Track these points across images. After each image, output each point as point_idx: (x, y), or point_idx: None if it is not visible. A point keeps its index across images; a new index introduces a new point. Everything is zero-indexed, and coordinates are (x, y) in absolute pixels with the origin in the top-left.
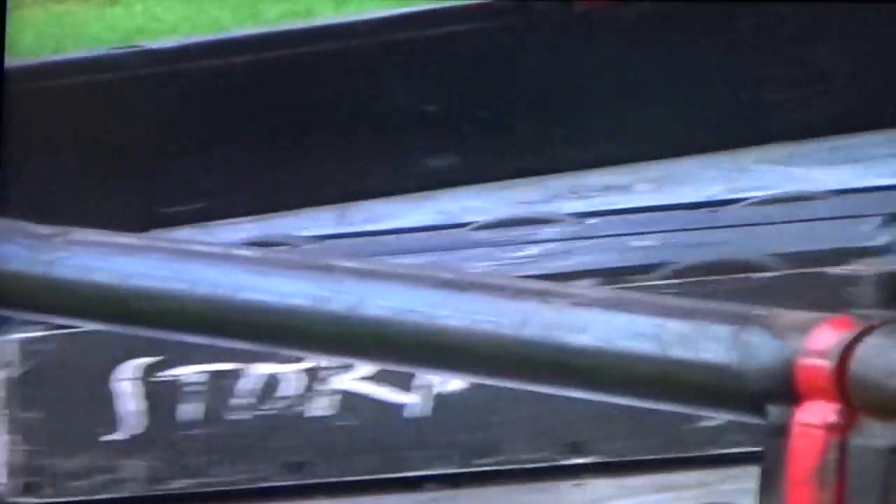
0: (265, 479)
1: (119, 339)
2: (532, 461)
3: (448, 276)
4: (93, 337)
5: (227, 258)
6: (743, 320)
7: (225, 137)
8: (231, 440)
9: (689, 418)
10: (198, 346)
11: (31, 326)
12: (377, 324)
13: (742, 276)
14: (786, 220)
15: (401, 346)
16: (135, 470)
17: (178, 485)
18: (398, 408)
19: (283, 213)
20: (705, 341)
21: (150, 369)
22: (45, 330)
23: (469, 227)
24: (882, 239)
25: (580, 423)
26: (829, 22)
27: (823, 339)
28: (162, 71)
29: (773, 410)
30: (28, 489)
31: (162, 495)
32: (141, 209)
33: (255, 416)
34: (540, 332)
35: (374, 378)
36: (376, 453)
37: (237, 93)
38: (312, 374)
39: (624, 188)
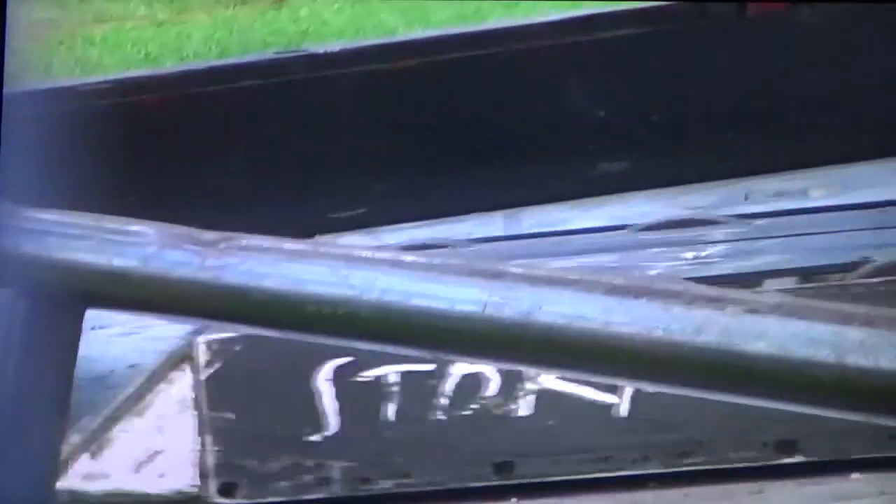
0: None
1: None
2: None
3: (621, 281)
4: (283, 338)
5: (396, 264)
6: None
7: (391, 141)
8: (432, 440)
9: None
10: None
11: (216, 328)
12: (550, 330)
13: None
14: None
15: (574, 354)
16: (336, 470)
17: (383, 485)
18: (602, 407)
19: (450, 219)
20: (885, 348)
21: (347, 370)
22: (234, 331)
23: (631, 228)
24: None
25: (790, 422)
26: None
27: None
28: (328, 75)
29: None
30: (224, 491)
31: (366, 496)
32: (306, 214)
33: (453, 416)
34: (716, 339)
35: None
36: (580, 453)
37: (404, 96)
38: (511, 373)
39: (798, 193)
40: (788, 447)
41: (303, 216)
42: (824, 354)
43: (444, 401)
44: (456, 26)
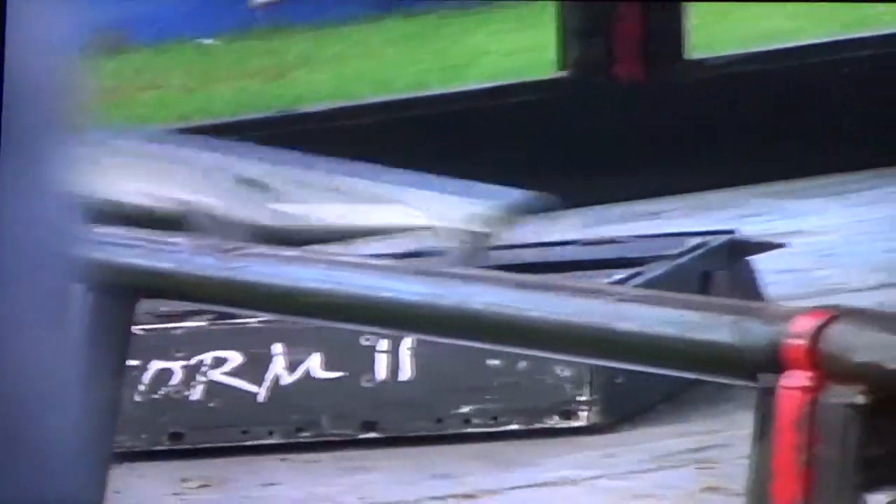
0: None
1: None
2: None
3: (531, 280)
4: None
5: (365, 266)
6: (743, 311)
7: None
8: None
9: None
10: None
11: None
12: (477, 316)
13: None
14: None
15: (495, 333)
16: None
17: None
18: (249, 394)
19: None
20: (715, 327)
21: None
22: None
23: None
24: None
25: (375, 407)
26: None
27: (802, 324)
28: (314, 127)
29: (764, 378)
30: None
31: None
32: None
33: (147, 399)
34: (597, 321)
35: (234, 372)
36: (230, 427)
37: (368, 144)
38: (193, 368)
39: (655, 214)
40: (369, 426)
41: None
42: (673, 331)
43: (142, 387)
44: (406, 93)
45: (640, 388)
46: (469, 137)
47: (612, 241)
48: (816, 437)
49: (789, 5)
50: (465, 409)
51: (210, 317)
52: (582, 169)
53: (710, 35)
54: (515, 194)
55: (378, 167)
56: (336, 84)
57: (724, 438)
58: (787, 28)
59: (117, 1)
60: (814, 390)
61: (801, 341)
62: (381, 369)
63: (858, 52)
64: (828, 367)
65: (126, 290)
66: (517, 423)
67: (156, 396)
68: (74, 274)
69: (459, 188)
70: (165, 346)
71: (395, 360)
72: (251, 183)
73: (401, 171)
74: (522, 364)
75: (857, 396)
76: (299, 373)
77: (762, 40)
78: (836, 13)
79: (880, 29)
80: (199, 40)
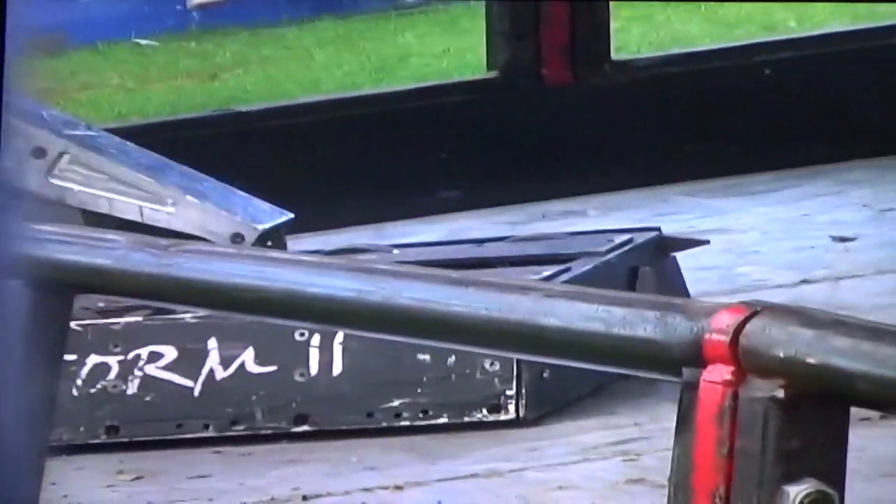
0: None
1: None
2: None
3: (457, 276)
4: None
5: (297, 262)
6: (666, 307)
7: (293, 172)
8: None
9: None
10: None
11: None
12: (406, 310)
13: None
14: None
15: (424, 328)
16: None
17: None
18: (184, 388)
19: (335, 231)
20: (639, 322)
21: None
22: None
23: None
24: None
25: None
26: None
27: (723, 320)
28: (247, 127)
29: (687, 372)
30: None
31: None
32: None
33: (86, 392)
34: (522, 316)
35: (170, 367)
36: (167, 421)
37: (300, 142)
38: (129, 362)
39: (581, 212)
40: (302, 419)
41: None
42: (598, 327)
43: (79, 381)
44: (337, 93)
45: (566, 383)
46: (397, 137)
47: (542, 237)
48: (737, 430)
49: (706, 13)
50: (395, 403)
51: (146, 312)
52: (510, 168)
53: (630, 38)
54: (274, 217)
55: (180, 169)
56: (268, 85)
57: (648, 431)
58: (702, 33)
59: (54, 3)
60: (735, 384)
61: (722, 337)
62: (315, 364)
63: (780, 55)
64: (748, 362)
65: (63, 286)
66: (447, 417)
67: (93, 390)
68: (13, 270)
69: (229, 203)
70: (102, 341)
71: (329, 354)
72: (38, 153)
73: (202, 176)
74: (452, 359)
75: (776, 390)
76: (234, 367)
77: (679, 44)
78: (748, 18)
79: (798, 33)
80: (135, 41)
